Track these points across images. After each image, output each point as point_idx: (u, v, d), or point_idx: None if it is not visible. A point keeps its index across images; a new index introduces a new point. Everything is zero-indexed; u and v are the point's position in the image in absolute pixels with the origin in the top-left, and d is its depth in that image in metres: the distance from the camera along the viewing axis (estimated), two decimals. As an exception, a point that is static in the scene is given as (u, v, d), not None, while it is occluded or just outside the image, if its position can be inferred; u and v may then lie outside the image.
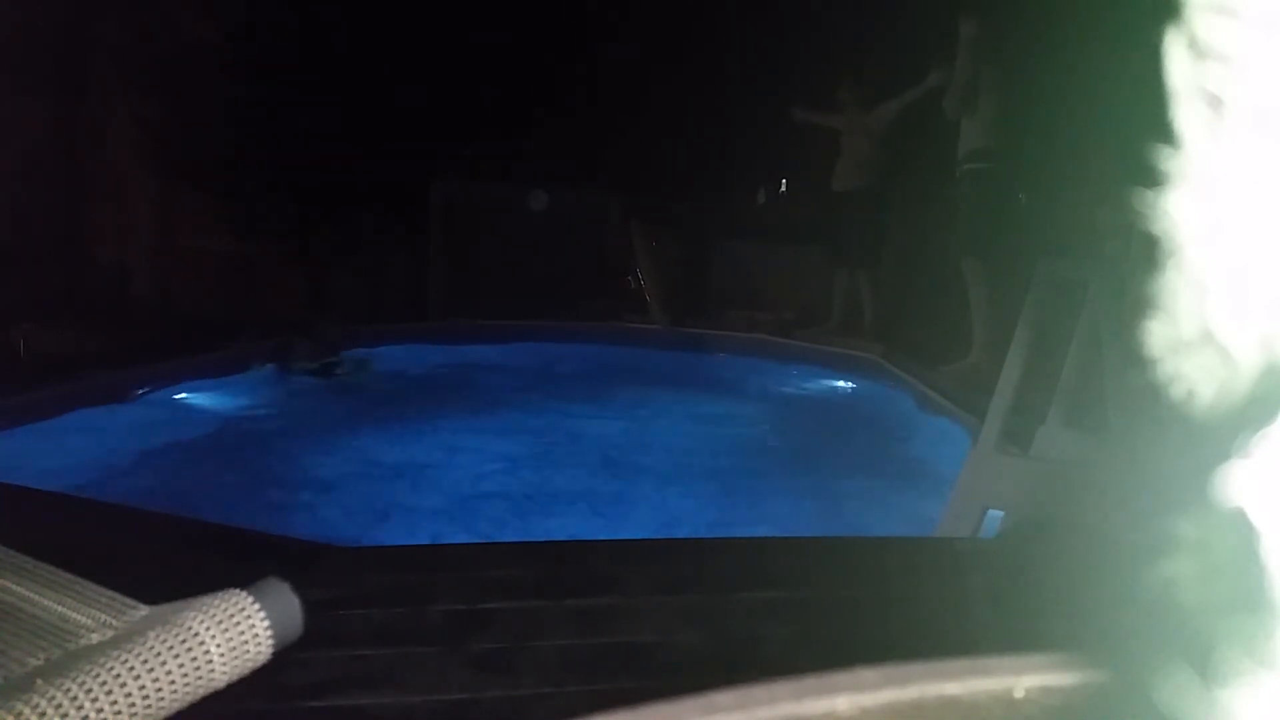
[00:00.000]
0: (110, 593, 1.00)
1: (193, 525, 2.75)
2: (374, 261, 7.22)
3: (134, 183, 6.13)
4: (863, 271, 6.34)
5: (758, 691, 0.40)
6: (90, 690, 0.80)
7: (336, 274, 7.08)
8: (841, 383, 6.14)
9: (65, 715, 0.78)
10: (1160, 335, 0.27)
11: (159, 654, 0.85)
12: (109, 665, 0.82)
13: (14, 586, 1.01)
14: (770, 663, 1.81)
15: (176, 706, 0.86)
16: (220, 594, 0.94)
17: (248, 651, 0.91)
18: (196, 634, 0.88)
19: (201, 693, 0.88)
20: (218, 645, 0.89)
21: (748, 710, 0.40)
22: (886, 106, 6.09)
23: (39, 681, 0.80)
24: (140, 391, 4.73)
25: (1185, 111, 0.27)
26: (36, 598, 0.99)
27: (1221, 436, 0.25)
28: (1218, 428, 0.25)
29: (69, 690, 0.79)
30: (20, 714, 0.76)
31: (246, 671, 0.92)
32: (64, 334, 5.01)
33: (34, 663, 0.88)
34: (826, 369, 6.25)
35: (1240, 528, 0.24)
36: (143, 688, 0.83)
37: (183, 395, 4.98)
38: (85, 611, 0.97)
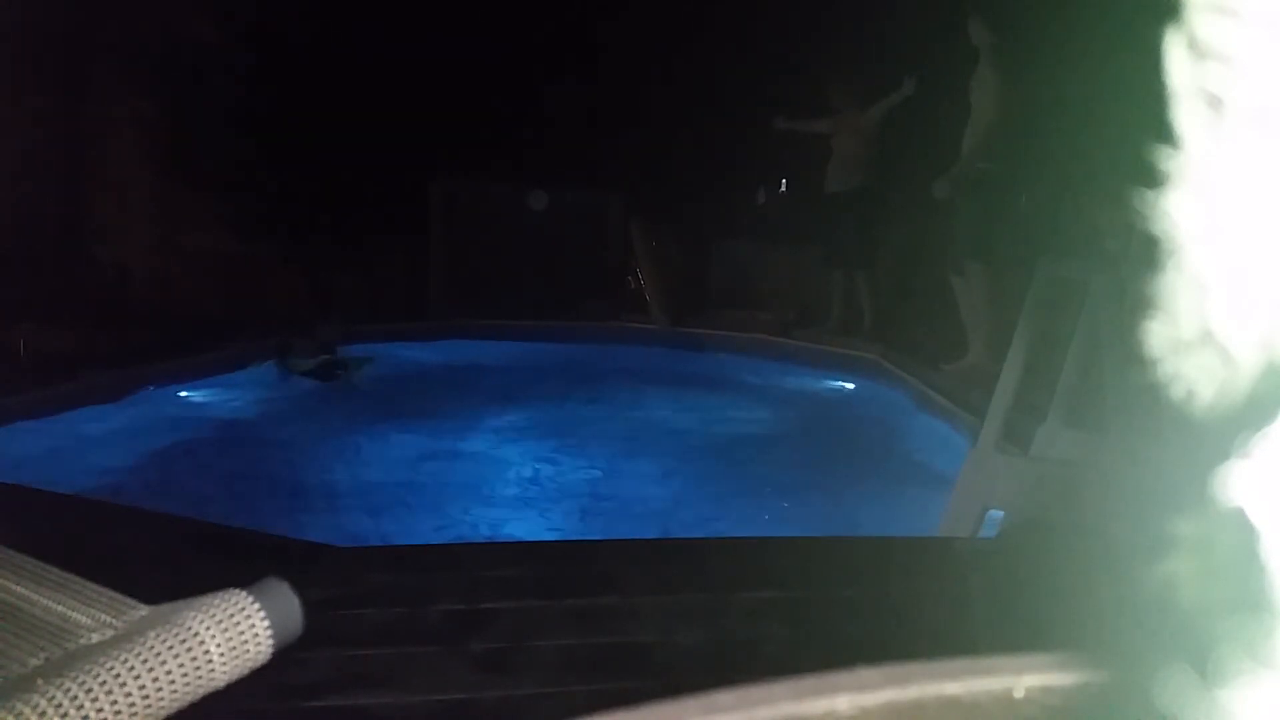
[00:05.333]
0: (110, 593, 1.00)
1: (193, 525, 2.75)
2: (374, 261, 7.22)
3: (134, 183, 6.13)
4: (859, 272, 6.35)
5: (758, 691, 0.40)
6: (90, 690, 0.80)
7: (336, 274, 7.08)
8: (841, 383, 6.14)
9: (65, 715, 0.77)
10: (1160, 335, 0.27)
11: (159, 654, 0.85)
12: (109, 665, 0.82)
13: (14, 586, 1.01)
14: (770, 663, 1.81)
15: (176, 706, 0.86)
16: (220, 594, 0.94)
17: (248, 651, 0.91)
18: (196, 634, 0.88)
19: (201, 693, 0.88)
20: (218, 645, 0.89)
21: (748, 710, 0.40)
22: (875, 107, 6.12)
23: (39, 681, 0.80)
24: (140, 391, 4.73)
25: (1185, 111, 0.27)
26: (36, 598, 0.99)
27: (1221, 436, 0.25)
28: (1218, 428, 0.25)
29: (69, 690, 0.79)
30: (20, 714, 0.76)
31: (246, 671, 0.92)
32: (64, 334, 5.01)
33: (34, 663, 0.88)
34: (826, 369, 6.26)
35: (1240, 528, 0.24)
36: (143, 688, 0.83)
37: (183, 395, 4.98)
38: (85, 611, 0.97)
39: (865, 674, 0.41)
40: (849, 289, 6.46)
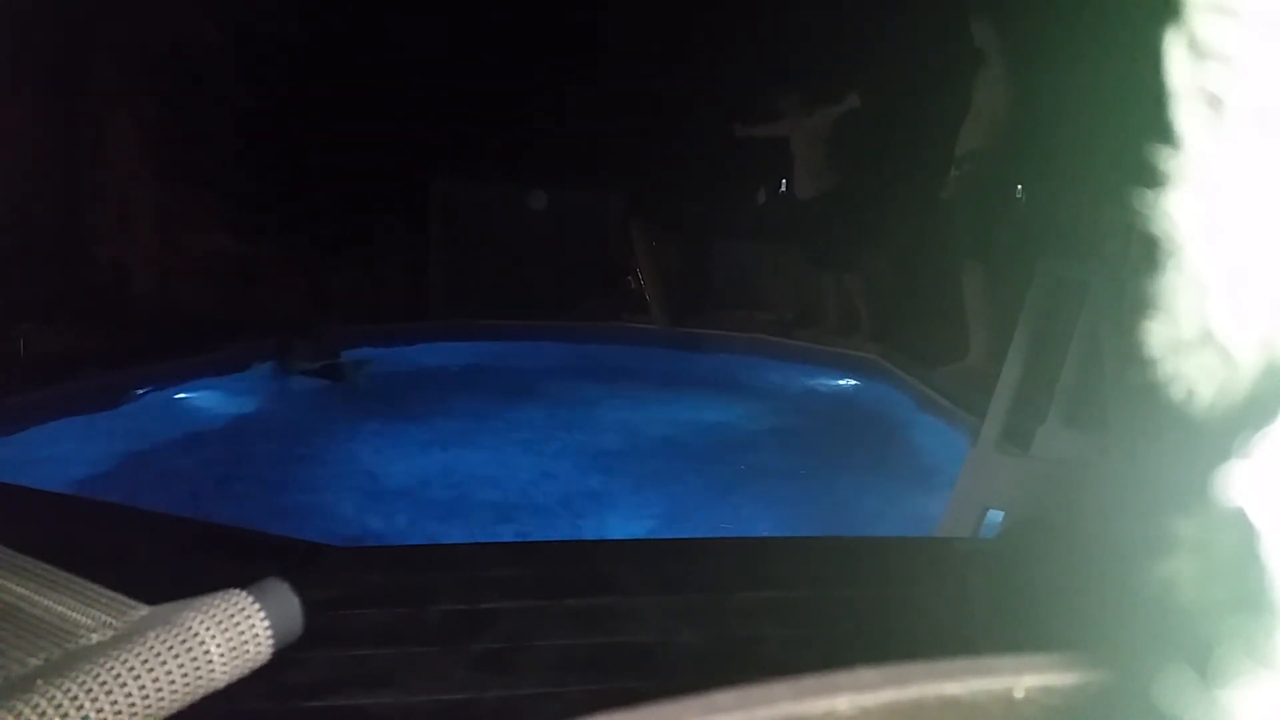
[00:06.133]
0: (110, 593, 1.00)
1: (193, 525, 2.75)
2: (374, 261, 7.21)
3: (134, 183, 6.13)
4: (848, 275, 6.39)
5: (758, 691, 0.40)
6: (90, 690, 0.80)
7: (336, 274, 7.07)
8: (841, 382, 6.14)
9: (65, 715, 0.78)
10: (1160, 335, 0.27)
11: (159, 654, 0.85)
12: (109, 665, 0.82)
13: (14, 586, 1.01)
14: (770, 663, 1.81)
15: (176, 706, 0.86)
16: (220, 594, 0.94)
17: (248, 651, 0.91)
18: (196, 634, 0.88)
19: (201, 693, 0.88)
20: (218, 645, 0.89)
21: (748, 710, 0.40)
22: (819, 113, 6.24)
23: (39, 681, 0.80)
24: (140, 391, 4.73)
25: (1185, 111, 0.27)
26: (36, 598, 0.99)
27: (1221, 436, 0.25)
28: (1218, 428, 0.25)
29: (69, 690, 0.79)
30: (20, 714, 0.76)
31: (246, 671, 0.92)
32: (64, 334, 5.01)
33: (34, 663, 0.88)
34: (826, 369, 6.26)
35: (1240, 528, 0.24)
36: (143, 688, 0.83)
37: (183, 395, 4.98)
38: (85, 611, 0.97)
39: (865, 674, 0.41)
40: (842, 291, 6.49)
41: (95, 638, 0.93)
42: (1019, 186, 5.42)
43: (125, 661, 0.83)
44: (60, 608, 0.97)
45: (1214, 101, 0.26)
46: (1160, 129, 0.27)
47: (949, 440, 4.15)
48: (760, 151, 6.97)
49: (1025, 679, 0.41)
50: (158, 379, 4.91)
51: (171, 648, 0.86)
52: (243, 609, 0.92)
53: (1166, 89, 0.27)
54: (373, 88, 6.68)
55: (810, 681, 0.40)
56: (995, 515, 2.85)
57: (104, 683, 0.81)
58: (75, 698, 0.79)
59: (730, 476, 4.15)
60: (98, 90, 5.94)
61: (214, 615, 0.91)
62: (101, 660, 0.83)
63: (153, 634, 0.87)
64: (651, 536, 3.37)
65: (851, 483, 4.01)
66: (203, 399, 5.00)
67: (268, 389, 5.28)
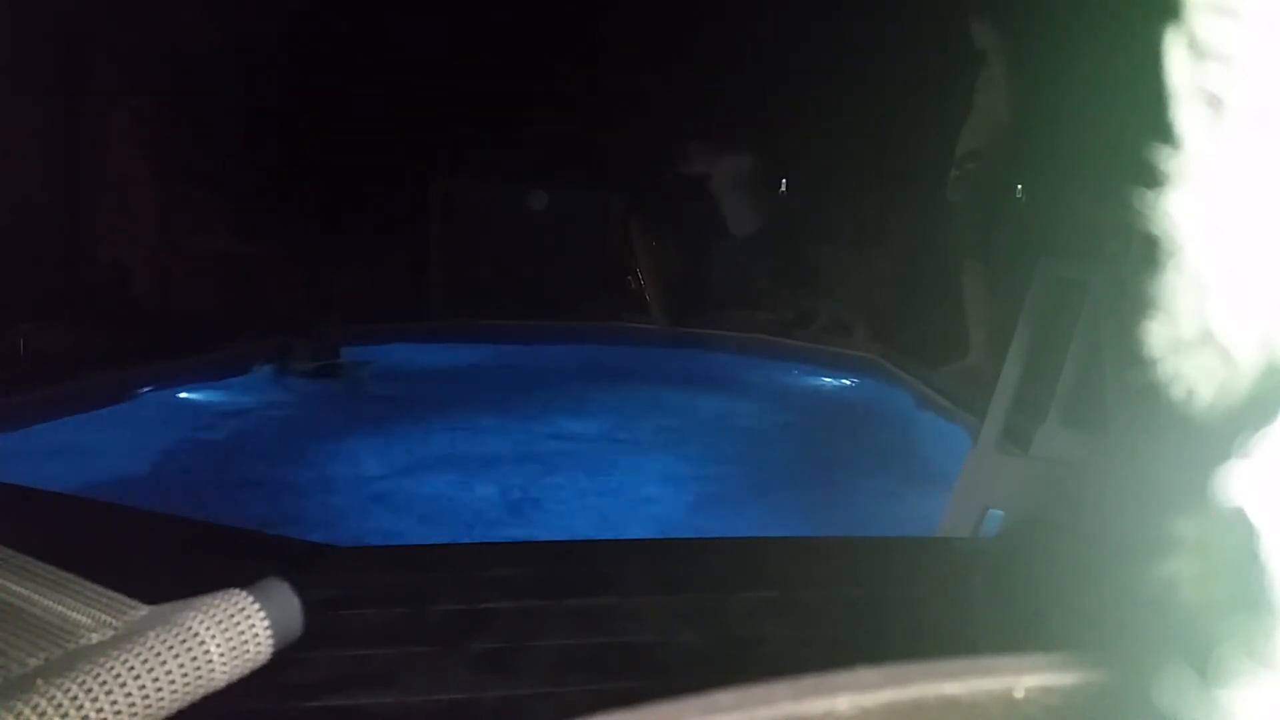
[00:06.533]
0: (110, 593, 1.00)
1: (193, 525, 2.75)
2: (374, 261, 7.21)
3: (134, 183, 6.13)
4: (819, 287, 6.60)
5: (758, 691, 0.40)
6: (90, 690, 0.80)
7: (336, 274, 7.07)
8: (841, 381, 6.14)
9: (65, 715, 0.78)
10: (1160, 335, 0.27)
11: (159, 654, 0.85)
12: (109, 665, 0.82)
13: (14, 586, 1.01)
14: (770, 663, 1.81)
15: (176, 706, 0.86)
16: (220, 594, 0.94)
17: (248, 651, 0.91)
18: (196, 634, 0.88)
19: (201, 693, 0.88)
20: (218, 645, 0.89)
21: (748, 710, 0.40)
22: (728, 163, 6.68)
23: (39, 681, 0.80)
24: (140, 391, 4.72)
25: (1185, 111, 0.27)
26: (36, 598, 0.99)
27: (1221, 436, 0.25)
28: (1218, 428, 0.25)
29: (69, 690, 0.79)
30: (20, 714, 0.76)
31: (246, 671, 0.92)
32: (64, 334, 5.01)
33: (34, 663, 0.88)
34: (826, 368, 6.26)
35: (1240, 528, 0.24)
36: (143, 688, 0.83)
37: (183, 395, 4.98)
38: (85, 611, 0.97)
39: (865, 674, 0.41)
40: (831, 299, 6.62)
41: (95, 638, 0.93)
42: (1019, 186, 5.42)
43: (125, 661, 0.83)
44: (60, 608, 0.97)
45: (1214, 101, 0.26)
46: (1160, 129, 0.27)
47: (949, 440, 4.15)
48: (761, 150, 7.01)
49: (1025, 679, 0.41)
50: (158, 379, 4.90)
51: (171, 648, 0.86)
52: (243, 609, 0.92)
53: (1166, 89, 0.27)
54: (372, 87, 6.67)
55: (810, 681, 0.40)
56: (995, 515, 2.85)
57: (104, 683, 0.81)
58: (75, 698, 0.79)
59: (728, 477, 4.14)
60: (98, 90, 5.94)
61: (214, 615, 0.91)
62: (101, 660, 0.83)
63: (153, 634, 0.87)
64: (651, 536, 3.37)
65: (851, 482, 4.01)
66: (203, 399, 5.00)
67: (268, 389, 5.28)
